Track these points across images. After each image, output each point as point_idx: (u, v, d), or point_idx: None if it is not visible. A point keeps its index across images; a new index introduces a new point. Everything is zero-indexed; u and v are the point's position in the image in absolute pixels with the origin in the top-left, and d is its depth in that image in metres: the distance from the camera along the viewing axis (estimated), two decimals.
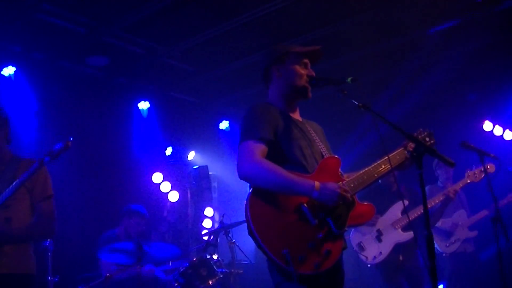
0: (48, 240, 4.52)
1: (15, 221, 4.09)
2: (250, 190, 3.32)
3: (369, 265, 6.63)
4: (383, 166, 3.65)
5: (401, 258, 6.47)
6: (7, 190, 4.00)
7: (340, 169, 3.58)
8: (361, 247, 6.52)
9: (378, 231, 6.46)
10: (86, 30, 7.38)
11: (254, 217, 3.20)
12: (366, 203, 3.53)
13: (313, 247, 3.19)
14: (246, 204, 3.26)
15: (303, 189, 3.24)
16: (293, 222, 3.24)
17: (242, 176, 3.34)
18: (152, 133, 9.81)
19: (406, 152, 3.72)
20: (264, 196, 3.28)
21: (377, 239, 6.46)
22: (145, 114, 9.70)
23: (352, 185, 3.48)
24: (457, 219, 7.49)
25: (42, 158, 4.05)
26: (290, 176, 3.27)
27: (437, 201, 6.65)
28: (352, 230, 6.61)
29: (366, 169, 3.63)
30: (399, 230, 6.43)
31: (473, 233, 7.54)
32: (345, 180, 3.51)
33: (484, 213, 7.50)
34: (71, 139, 4.11)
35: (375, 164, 3.66)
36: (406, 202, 6.51)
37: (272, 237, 3.16)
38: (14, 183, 4.01)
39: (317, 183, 3.25)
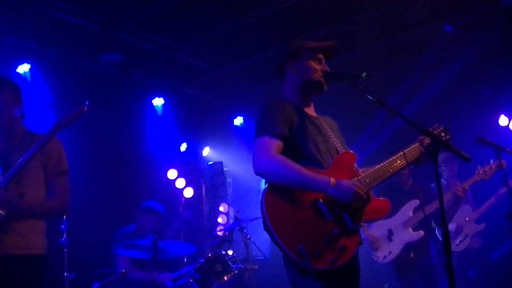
0: (63, 216, 4.28)
1: (28, 197, 3.96)
2: (266, 186, 3.31)
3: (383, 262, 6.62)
4: (398, 162, 3.62)
5: (412, 255, 6.47)
6: (18, 162, 3.85)
7: (355, 164, 3.56)
8: (373, 248, 6.51)
9: (389, 231, 6.45)
10: (100, 27, 7.40)
11: (270, 212, 3.20)
12: (382, 198, 3.51)
13: (328, 243, 3.18)
14: (261, 200, 3.25)
15: (319, 186, 3.24)
16: (308, 217, 3.23)
17: (258, 172, 3.34)
18: (167, 130, 9.82)
19: (421, 147, 3.69)
20: (279, 192, 3.27)
21: (388, 239, 6.45)
22: (159, 111, 9.71)
23: (367, 181, 3.46)
24: (463, 215, 7.33)
25: (54, 123, 3.91)
26: (306, 172, 3.26)
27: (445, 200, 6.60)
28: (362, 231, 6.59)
29: (382, 164, 3.60)
30: (410, 229, 6.40)
31: (481, 226, 7.36)
32: (360, 175, 3.48)
33: (491, 202, 7.28)
34: (86, 102, 3.97)
35: (391, 159, 3.63)
36: (417, 202, 6.47)
37: (288, 232, 3.16)
38: (26, 154, 3.85)
39: (332, 180, 3.23)
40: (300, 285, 3.28)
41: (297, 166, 3.27)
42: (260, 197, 3.28)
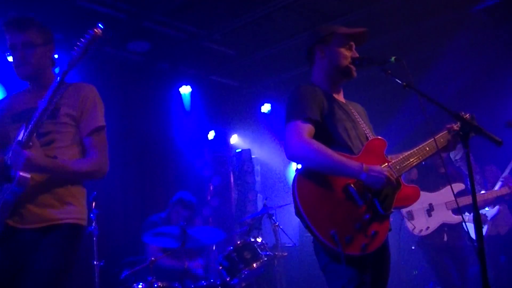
0: (100, 178, 3.53)
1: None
2: (298, 171, 3.31)
3: (416, 235, 6.58)
4: (427, 149, 3.60)
5: (445, 238, 6.44)
6: (32, 121, 3.35)
7: (385, 151, 3.54)
8: (411, 215, 6.48)
9: (430, 205, 6.45)
10: (126, 16, 7.42)
11: (302, 197, 3.20)
12: (411, 185, 3.51)
13: (360, 228, 3.19)
14: (293, 185, 3.25)
15: (351, 171, 3.23)
16: (340, 202, 3.23)
17: (291, 156, 3.34)
18: (194, 118, 9.84)
19: (449, 135, 3.68)
20: (311, 177, 3.27)
21: (427, 213, 6.45)
22: (187, 99, 9.73)
23: (397, 167, 3.44)
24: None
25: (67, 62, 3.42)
26: (338, 157, 3.25)
27: (503, 193, 6.55)
28: None
29: (411, 151, 3.58)
30: (450, 211, 6.40)
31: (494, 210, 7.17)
32: (390, 162, 3.47)
33: (504, 190, 6.96)
34: (99, 25, 3.42)
35: (420, 146, 3.61)
36: (462, 185, 6.42)
37: (320, 217, 3.16)
38: (39, 106, 3.37)
39: (365, 165, 3.23)
40: (332, 272, 3.27)
41: (329, 151, 3.26)
42: (291, 183, 3.28)
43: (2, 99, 4.03)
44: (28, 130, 3.34)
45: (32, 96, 3.71)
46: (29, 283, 3.36)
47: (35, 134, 3.38)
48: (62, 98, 3.58)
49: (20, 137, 3.38)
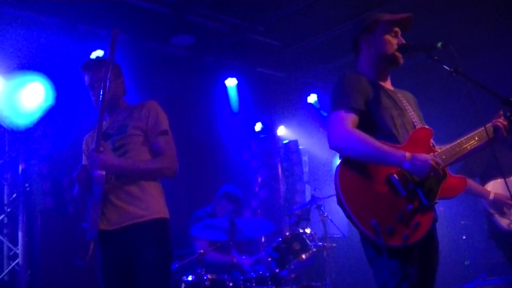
0: (172, 176, 4.19)
1: None
2: (340, 161, 3.29)
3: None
4: (476, 138, 3.53)
5: None
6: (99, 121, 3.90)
7: (432, 140, 3.48)
8: (501, 212, 6.17)
9: None
10: (170, 10, 7.46)
11: (344, 187, 3.19)
12: (458, 176, 3.43)
13: (402, 219, 3.14)
14: (335, 175, 3.24)
15: (394, 159, 3.18)
16: (382, 193, 3.19)
17: (333, 146, 3.31)
18: (241, 109, 9.86)
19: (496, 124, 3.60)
20: (353, 167, 3.25)
21: None
22: (233, 91, 9.75)
23: (444, 157, 3.38)
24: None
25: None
26: (381, 146, 3.21)
27: None
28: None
29: (459, 140, 3.51)
30: None
31: None
32: (436, 151, 3.40)
33: None
34: (115, 29, 3.94)
35: (469, 135, 3.55)
36: None
37: (361, 207, 3.14)
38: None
39: (408, 154, 3.17)
40: (377, 264, 3.25)
41: (372, 140, 3.22)
42: (333, 172, 3.26)
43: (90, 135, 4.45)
44: (95, 137, 3.89)
45: (107, 122, 4.23)
46: (143, 284, 3.89)
47: (111, 146, 4.02)
48: (128, 118, 4.16)
49: (93, 146, 3.92)
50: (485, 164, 6.24)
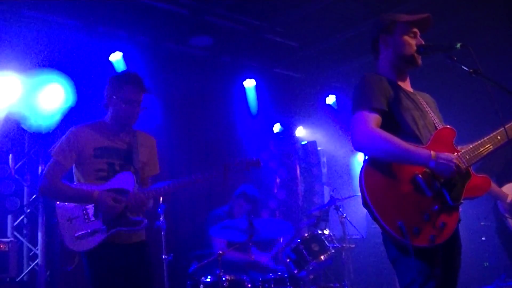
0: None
1: None
2: (365, 161, 3.29)
3: None
4: (499, 138, 3.49)
5: None
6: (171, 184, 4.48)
7: (454, 141, 3.46)
8: None
9: None
10: (188, 11, 7.49)
11: (369, 188, 3.19)
12: (481, 175, 3.40)
13: (428, 219, 3.14)
14: (360, 175, 3.24)
15: (420, 158, 3.18)
16: (408, 193, 3.19)
17: (357, 147, 3.31)
18: (259, 110, 9.86)
19: None
20: (378, 167, 3.25)
21: None
22: (251, 92, 9.76)
23: (467, 157, 3.36)
24: None
25: None
26: (406, 146, 3.21)
27: None
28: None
29: (481, 140, 3.47)
30: None
31: None
32: (459, 151, 3.39)
33: None
34: None
35: (491, 135, 3.50)
36: None
37: (387, 208, 3.14)
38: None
39: (433, 153, 3.17)
40: (401, 264, 3.24)
41: (397, 140, 3.22)
42: (359, 173, 3.26)
43: (83, 126, 4.49)
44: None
45: (112, 134, 4.45)
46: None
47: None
48: (137, 145, 4.48)
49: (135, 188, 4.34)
50: (503, 164, 6.22)
